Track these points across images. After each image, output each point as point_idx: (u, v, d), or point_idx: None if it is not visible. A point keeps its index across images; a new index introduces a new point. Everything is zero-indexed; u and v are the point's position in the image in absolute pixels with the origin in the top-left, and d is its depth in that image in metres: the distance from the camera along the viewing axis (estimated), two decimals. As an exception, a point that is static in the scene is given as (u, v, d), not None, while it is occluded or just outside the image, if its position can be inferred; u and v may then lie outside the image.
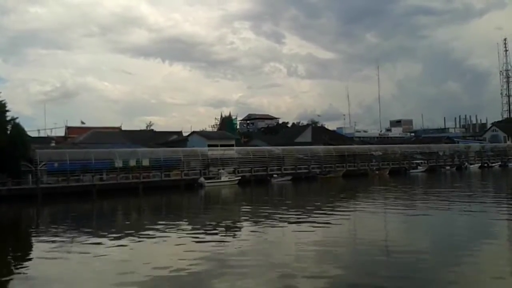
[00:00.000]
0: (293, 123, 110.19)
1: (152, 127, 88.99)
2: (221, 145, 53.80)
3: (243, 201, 35.58)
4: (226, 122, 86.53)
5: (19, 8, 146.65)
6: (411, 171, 61.00)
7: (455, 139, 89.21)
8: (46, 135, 68.73)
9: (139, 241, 17.48)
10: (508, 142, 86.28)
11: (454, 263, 12.18)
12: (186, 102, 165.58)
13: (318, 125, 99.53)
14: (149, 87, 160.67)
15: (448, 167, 65.80)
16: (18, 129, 41.23)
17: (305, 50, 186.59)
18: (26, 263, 15.00)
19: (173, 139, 66.98)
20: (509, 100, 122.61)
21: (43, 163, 41.01)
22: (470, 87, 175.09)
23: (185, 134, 69.21)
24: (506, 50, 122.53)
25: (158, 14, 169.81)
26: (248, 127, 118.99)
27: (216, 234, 18.86)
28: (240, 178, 47.61)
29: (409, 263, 12.40)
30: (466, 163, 68.36)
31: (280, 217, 23.31)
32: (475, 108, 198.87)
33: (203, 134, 61.73)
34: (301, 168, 53.83)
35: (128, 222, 25.68)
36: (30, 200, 35.72)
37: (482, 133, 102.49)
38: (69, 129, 71.43)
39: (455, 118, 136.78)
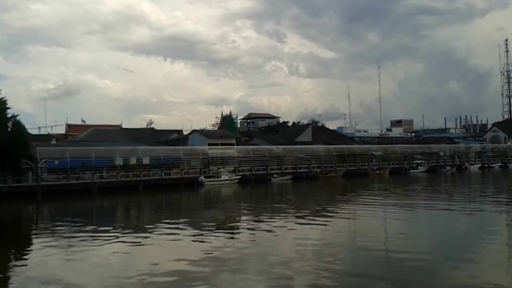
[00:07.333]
0: (294, 123, 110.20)
1: (152, 126, 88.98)
2: (222, 144, 53.81)
3: (243, 200, 35.58)
4: (227, 121, 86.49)
5: (20, 5, 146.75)
6: (411, 171, 60.99)
7: (455, 140, 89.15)
8: (46, 133, 68.73)
9: (139, 240, 17.48)
10: (509, 143, 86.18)
11: (454, 265, 12.18)
12: (187, 100, 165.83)
13: (319, 124, 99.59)
14: (150, 85, 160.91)
15: (448, 168, 65.79)
16: (18, 126, 41.28)
17: (306, 49, 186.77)
18: (25, 260, 15.01)
19: (174, 137, 66.99)
20: (509, 101, 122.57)
21: (44, 160, 41.02)
22: (471, 88, 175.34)
23: (185, 133, 69.27)
24: (507, 51, 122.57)
25: (159, 12, 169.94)
26: (248, 126, 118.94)
27: (215, 233, 18.86)
28: (240, 177, 47.60)
29: (409, 264, 12.39)
30: (467, 164, 68.36)
31: (280, 216, 23.34)
32: (475, 108, 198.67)
33: (203, 132, 61.74)
34: (302, 167, 53.84)
35: (128, 220, 25.72)
36: (30, 198, 35.73)
37: (483, 134, 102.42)
38: (69, 126, 71.42)
39: (456, 119, 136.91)
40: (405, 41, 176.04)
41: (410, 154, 66.88)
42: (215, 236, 17.95)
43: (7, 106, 40.96)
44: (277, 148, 55.66)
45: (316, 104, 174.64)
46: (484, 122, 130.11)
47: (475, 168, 67.05)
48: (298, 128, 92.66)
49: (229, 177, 47.08)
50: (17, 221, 27.69)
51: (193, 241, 16.94)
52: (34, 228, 24.04)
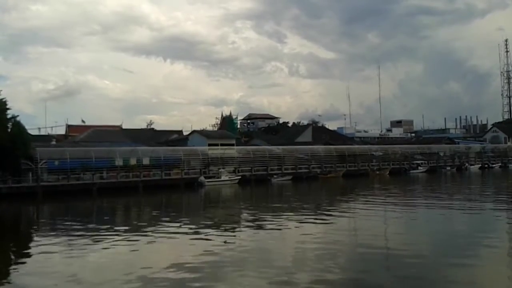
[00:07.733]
0: (294, 123, 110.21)
1: (152, 126, 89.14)
2: (222, 145, 53.83)
3: (243, 201, 35.58)
4: (227, 122, 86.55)
5: (20, 5, 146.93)
6: (411, 171, 60.98)
7: (455, 140, 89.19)
8: (46, 133, 68.73)
9: (139, 240, 17.44)
10: (509, 143, 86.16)
11: (454, 262, 12.18)
12: (187, 101, 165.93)
13: (319, 125, 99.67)
14: (150, 86, 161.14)
15: (448, 168, 65.77)
16: (18, 127, 41.26)
17: (306, 50, 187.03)
18: (26, 259, 15.05)
19: (174, 138, 67.05)
20: (509, 101, 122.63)
21: (44, 161, 41.04)
22: (471, 88, 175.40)
23: (185, 133, 69.33)
24: (507, 51, 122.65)
25: (159, 13, 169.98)
26: (248, 126, 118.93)
27: (216, 232, 18.85)
28: (240, 177, 47.59)
29: (409, 262, 12.40)
30: (467, 164, 68.36)
31: (280, 216, 23.33)
32: (475, 108, 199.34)
33: (203, 133, 61.75)
34: (302, 168, 53.85)
35: (129, 221, 25.70)
36: (31, 198, 35.72)
37: (483, 134, 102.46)
38: (69, 127, 71.45)
39: (456, 119, 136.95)
40: (405, 41, 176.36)
41: (410, 155, 66.87)
42: (216, 235, 17.96)
43: (7, 106, 40.97)
44: (277, 149, 55.67)
45: (316, 104, 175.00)
46: (484, 122, 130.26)
47: (475, 168, 67.03)
48: (298, 128, 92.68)
49: (229, 177, 47.06)
50: (18, 222, 27.69)
51: (195, 239, 16.95)
52: (34, 228, 24.05)
